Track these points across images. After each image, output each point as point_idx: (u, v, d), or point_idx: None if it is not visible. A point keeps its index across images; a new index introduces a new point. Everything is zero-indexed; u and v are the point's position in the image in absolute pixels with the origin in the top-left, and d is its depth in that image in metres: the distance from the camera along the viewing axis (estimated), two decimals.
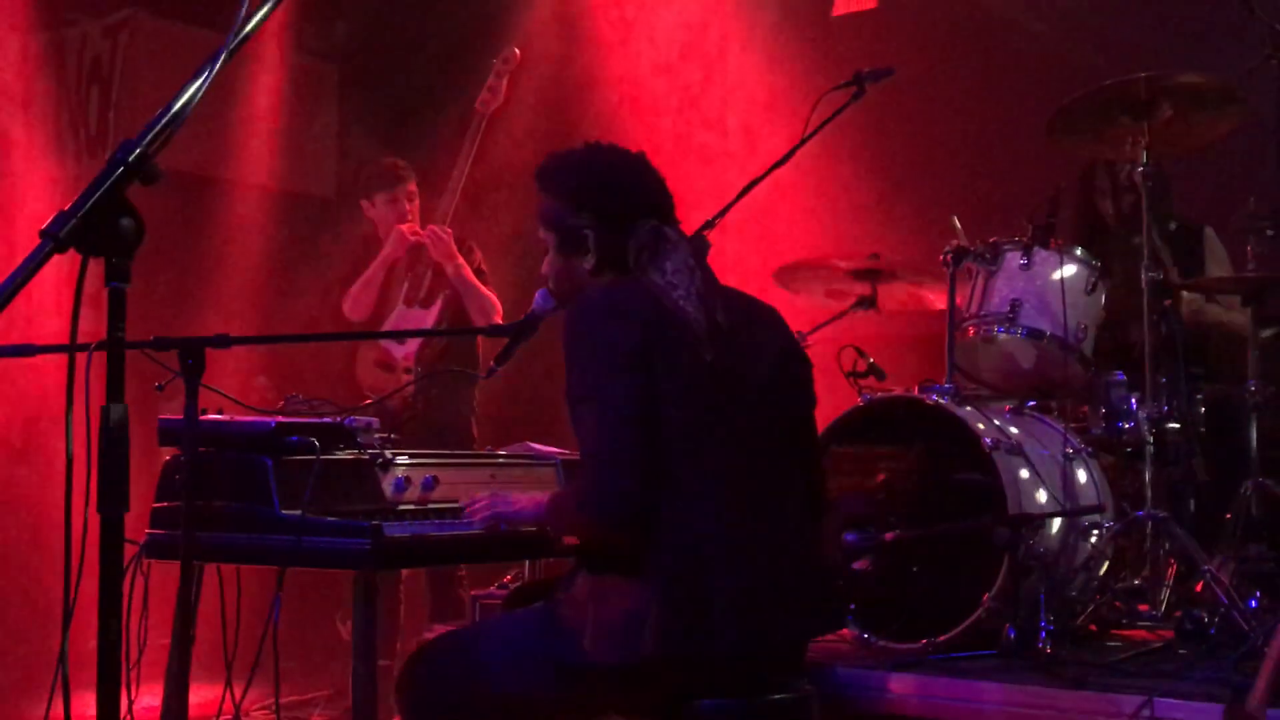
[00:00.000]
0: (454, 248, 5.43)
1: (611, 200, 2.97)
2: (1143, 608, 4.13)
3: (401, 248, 5.45)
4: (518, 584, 4.36)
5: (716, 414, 2.79)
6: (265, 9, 2.00)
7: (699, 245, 3.38)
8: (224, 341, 3.00)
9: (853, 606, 4.00)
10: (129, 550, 2.79)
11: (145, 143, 1.84)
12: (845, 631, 4.03)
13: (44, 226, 1.75)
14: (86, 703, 1.90)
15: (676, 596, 2.69)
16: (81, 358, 1.93)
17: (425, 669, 2.97)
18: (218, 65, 1.94)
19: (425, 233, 5.42)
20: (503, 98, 5.36)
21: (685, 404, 2.74)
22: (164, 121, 1.88)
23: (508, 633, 2.94)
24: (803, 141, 4.37)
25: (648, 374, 2.72)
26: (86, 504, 1.90)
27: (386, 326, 5.51)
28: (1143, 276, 4.37)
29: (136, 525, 3.03)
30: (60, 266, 1.96)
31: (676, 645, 2.69)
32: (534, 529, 3.19)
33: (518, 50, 5.32)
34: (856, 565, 3.97)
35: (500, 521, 3.10)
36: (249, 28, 2.01)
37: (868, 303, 4.91)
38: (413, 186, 5.67)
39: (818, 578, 2.99)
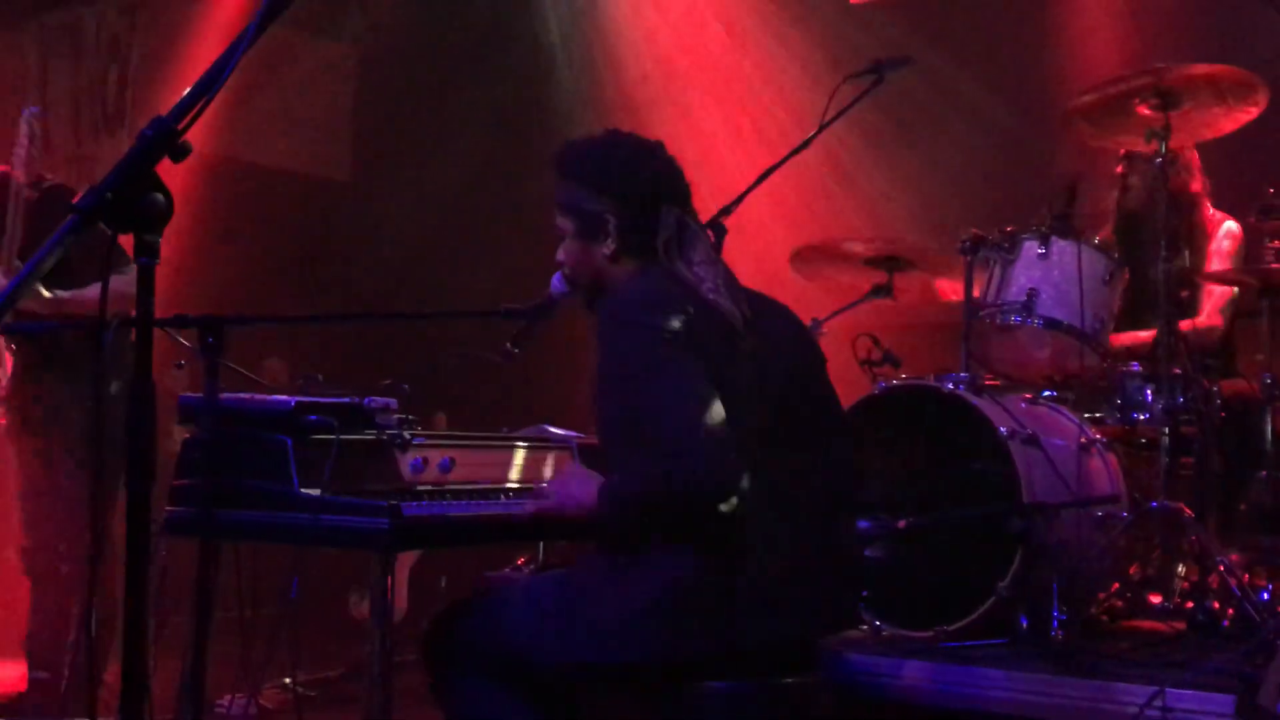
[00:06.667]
0: None
1: (633, 186, 2.94)
2: (1155, 599, 4.13)
3: None
4: (532, 566, 4.38)
5: (751, 406, 2.75)
6: None
7: (717, 233, 3.35)
8: (245, 320, 3.01)
9: (865, 594, 4.01)
10: None
11: (176, 119, 1.85)
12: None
13: (76, 201, 1.76)
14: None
15: (699, 592, 2.68)
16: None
17: (450, 628, 2.99)
18: (246, 43, 1.94)
19: None
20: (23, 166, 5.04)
21: (724, 396, 2.71)
22: (194, 99, 1.88)
23: (529, 602, 2.95)
24: (821, 129, 4.38)
25: (699, 357, 2.69)
26: (95, 478, 1.91)
27: None
28: (1160, 267, 4.37)
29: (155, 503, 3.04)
30: None
31: (695, 642, 2.70)
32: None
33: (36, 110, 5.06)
34: (869, 553, 3.97)
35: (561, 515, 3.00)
36: (276, 10, 2.01)
37: (883, 291, 4.91)
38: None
39: (840, 575, 2.97)
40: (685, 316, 2.72)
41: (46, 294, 4.62)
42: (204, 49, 6.85)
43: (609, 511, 2.78)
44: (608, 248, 2.94)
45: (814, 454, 2.89)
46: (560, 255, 3.07)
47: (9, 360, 4.96)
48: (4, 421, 4.99)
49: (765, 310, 2.97)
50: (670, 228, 2.89)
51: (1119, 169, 5.20)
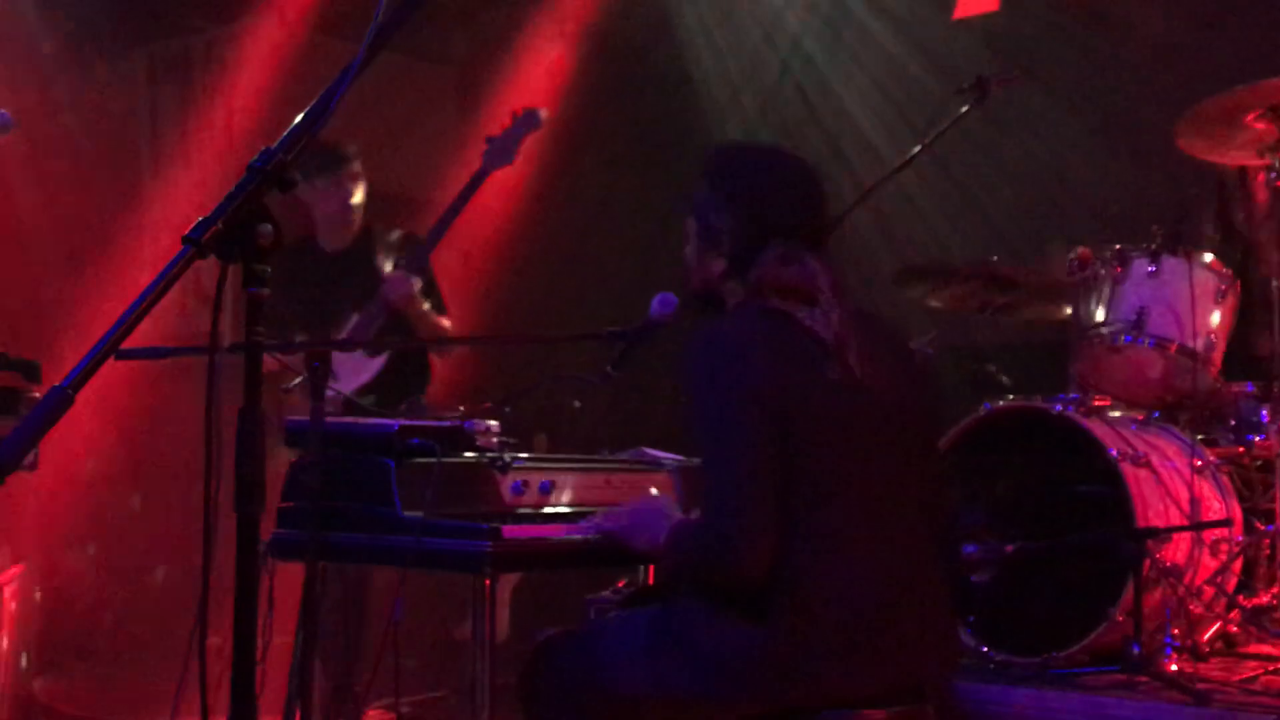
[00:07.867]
0: (416, 296, 5.00)
1: (760, 211, 2.81)
2: (1272, 624, 4.03)
3: (404, 301, 4.88)
4: (632, 589, 4.36)
5: (843, 448, 2.67)
6: (399, 18, 2.01)
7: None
8: (349, 344, 3.05)
9: (972, 619, 3.96)
10: None
11: (284, 150, 1.87)
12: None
13: (186, 232, 1.79)
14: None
15: (792, 643, 2.62)
16: (219, 361, 1.96)
17: (544, 666, 2.97)
18: (352, 76, 1.96)
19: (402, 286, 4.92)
20: (513, 158, 5.06)
21: (812, 442, 2.63)
22: (301, 130, 1.90)
23: (623, 635, 2.92)
24: (925, 145, 4.34)
25: (773, 410, 2.60)
26: (207, 501, 1.93)
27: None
28: (1274, 285, 4.27)
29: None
30: None
31: (787, 689, 2.65)
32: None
33: (545, 112, 5.06)
34: (976, 578, 3.91)
35: (627, 546, 3.01)
36: (383, 38, 2.03)
37: (990, 310, 4.84)
38: (357, 168, 5.25)
39: (942, 621, 2.87)
40: (767, 362, 2.64)
41: (426, 307, 4.88)
42: (311, 78, 6.94)
43: (667, 561, 2.85)
44: (719, 264, 2.85)
45: (912, 495, 2.79)
46: (685, 254, 2.95)
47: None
48: None
49: (872, 335, 2.83)
50: (770, 264, 2.77)
51: (1226, 184, 5.09)
